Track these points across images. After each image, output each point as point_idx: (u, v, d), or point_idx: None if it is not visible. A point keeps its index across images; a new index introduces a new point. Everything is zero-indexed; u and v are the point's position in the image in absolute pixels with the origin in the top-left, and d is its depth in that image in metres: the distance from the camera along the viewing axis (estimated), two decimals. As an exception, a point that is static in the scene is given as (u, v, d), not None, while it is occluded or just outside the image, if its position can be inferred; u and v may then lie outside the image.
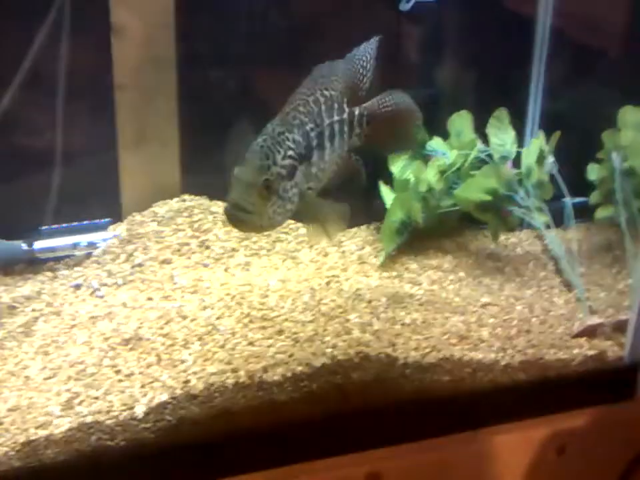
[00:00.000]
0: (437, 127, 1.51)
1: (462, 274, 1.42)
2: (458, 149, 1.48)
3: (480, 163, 1.47)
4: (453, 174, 1.47)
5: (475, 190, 1.42)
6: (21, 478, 1.04)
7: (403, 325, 1.25)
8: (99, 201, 1.46)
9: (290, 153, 1.04)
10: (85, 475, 1.08)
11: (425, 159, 1.49)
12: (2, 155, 1.40)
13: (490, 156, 1.47)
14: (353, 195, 1.56)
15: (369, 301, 1.31)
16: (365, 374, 1.17)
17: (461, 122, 1.49)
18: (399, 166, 1.50)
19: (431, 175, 1.46)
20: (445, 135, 1.51)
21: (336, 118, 1.11)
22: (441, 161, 1.47)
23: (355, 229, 1.55)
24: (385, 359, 1.17)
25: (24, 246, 1.41)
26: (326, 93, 1.10)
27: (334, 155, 1.12)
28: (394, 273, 1.42)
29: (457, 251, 1.50)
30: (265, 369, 1.15)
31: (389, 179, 1.51)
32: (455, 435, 1.16)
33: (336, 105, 1.11)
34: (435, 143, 1.51)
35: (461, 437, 1.17)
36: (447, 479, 1.17)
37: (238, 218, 1.00)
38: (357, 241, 1.51)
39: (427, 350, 1.20)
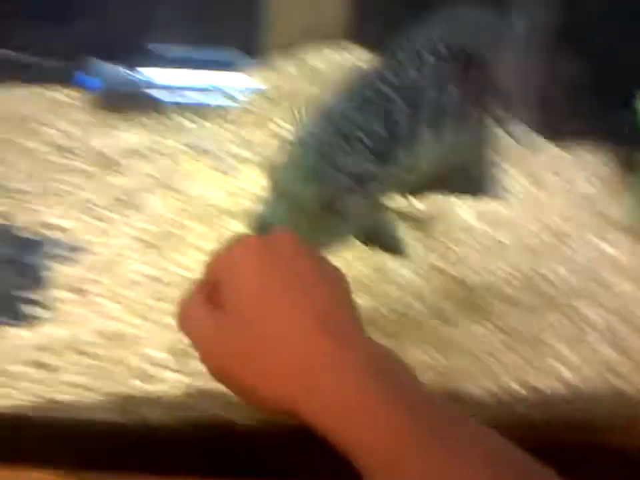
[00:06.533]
0: None
1: None
2: None
3: None
4: None
5: None
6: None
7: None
8: (234, 31, 1.02)
9: None
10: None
11: None
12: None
13: None
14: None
15: (616, 292, 0.88)
16: (610, 413, 0.78)
17: None
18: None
19: None
20: None
21: None
22: None
23: (578, 149, 1.07)
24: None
25: (127, 71, 1.00)
26: None
27: None
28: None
29: None
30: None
31: None
32: None
33: None
34: None
35: None
36: None
37: None
38: (588, 172, 1.05)
39: None
